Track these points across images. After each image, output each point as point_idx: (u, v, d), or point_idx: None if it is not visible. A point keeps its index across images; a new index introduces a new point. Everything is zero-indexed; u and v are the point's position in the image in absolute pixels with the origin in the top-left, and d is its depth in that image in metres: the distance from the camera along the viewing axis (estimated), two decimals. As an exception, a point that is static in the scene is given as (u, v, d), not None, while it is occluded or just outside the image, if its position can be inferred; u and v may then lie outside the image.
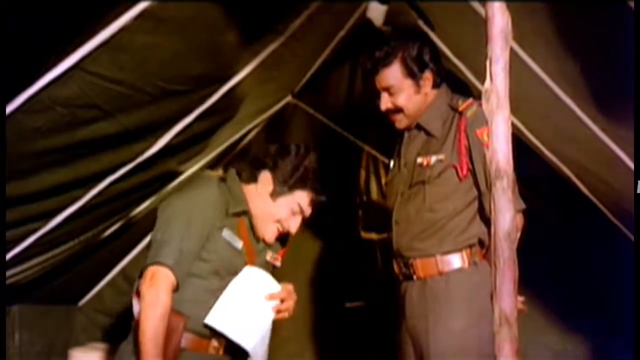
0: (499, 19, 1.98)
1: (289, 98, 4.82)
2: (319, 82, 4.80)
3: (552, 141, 4.11)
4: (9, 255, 3.30)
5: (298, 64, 4.33)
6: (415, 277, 3.37)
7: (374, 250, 4.90)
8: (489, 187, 3.19)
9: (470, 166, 3.29)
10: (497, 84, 1.98)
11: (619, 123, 3.30)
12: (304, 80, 4.71)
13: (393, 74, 3.39)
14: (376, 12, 4.14)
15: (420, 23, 3.95)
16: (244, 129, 4.58)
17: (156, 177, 3.67)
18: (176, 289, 2.86)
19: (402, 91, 3.40)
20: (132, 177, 3.58)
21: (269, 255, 3.20)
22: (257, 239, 3.13)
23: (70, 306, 4.81)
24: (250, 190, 3.10)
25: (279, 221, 3.09)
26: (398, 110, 3.43)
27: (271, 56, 3.62)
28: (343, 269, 4.98)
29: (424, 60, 3.41)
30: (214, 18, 2.88)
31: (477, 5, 3.19)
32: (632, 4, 2.45)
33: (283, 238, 3.27)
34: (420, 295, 3.35)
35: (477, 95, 3.38)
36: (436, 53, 3.53)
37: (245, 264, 3.05)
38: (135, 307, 2.91)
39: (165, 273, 2.83)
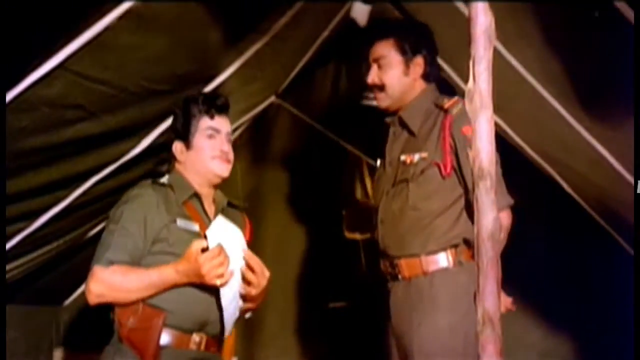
0: (482, 19, 1.98)
1: (272, 98, 4.81)
2: (303, 82, 4.80)
3: (536, 141, 4.13)
4: (-7, 255, 3.30)
5: (282, 64, 4.33)
6: (400, 277, 3.37)
7: (357, 250, 4.91)
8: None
9: (455, 164, 3.28)
10: (480, 83, 1.98)
11: (603, 122, 3.32)
12: (288, 80, 4.71)
13: (385, 46, 3.43)
14: (360, 12, 4.15)
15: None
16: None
17: (141, 176, 3.66)
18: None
19: (390, 67, 3.42)
20: (116, 177, 3.58)
21: None
22: (208, 216, 3.14)
23: (55, 306, 4.79)
24: (179, 169, 3.17)
25: (212, 155, 3.14)
26: (382, 87, 3.45)
27: (255, 56, 3.63)
28: (327, 269, 4.98)
29: (418, 45, 3.43)
30: (198, 18, 2.89)
31: (460, 5, 3.21)
32: (617, 4, 2.46)
33: (237, 217, 3.28)
34: (405, 295, 3.35)
35: (462, 95, 3.39)
36: (434, 49, 3.53)
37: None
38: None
39: (98, 270, 2.94)
